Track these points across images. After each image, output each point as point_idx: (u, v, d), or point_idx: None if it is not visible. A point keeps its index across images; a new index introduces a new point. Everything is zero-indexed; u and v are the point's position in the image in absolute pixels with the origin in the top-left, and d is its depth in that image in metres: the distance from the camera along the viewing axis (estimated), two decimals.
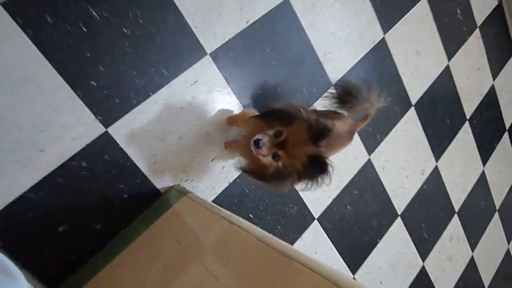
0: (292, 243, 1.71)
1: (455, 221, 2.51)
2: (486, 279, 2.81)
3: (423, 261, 2.32)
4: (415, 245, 2.25)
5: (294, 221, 1.71)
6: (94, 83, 1.21)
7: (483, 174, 2.68)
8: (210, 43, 1.42)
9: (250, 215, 1.58)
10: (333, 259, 1.87)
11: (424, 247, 2.31)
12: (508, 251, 3.00)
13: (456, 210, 2.51)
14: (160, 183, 1.36)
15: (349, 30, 1.81)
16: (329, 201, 1.83)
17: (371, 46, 1.91)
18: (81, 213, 1.23)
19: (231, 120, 1.47)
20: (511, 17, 2.69)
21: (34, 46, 1.12)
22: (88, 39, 1.19)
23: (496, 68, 2.69)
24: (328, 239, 1.84)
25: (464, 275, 2.60)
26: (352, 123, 1.48)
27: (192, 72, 1.38)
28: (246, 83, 1.52)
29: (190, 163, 1.42)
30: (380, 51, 1.95)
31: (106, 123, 1.25)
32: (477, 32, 2.50)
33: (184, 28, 1.36)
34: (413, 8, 2.08)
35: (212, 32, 1.42)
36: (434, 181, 2.33)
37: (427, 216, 2.31)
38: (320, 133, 1.01)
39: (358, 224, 1.95)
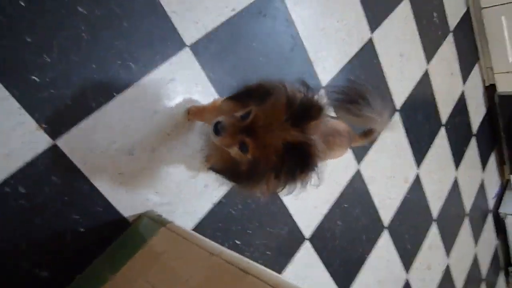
0: (282, 268, 1.48)
1: (434, 229, 2.44)
2: (459, 285, 2.79)
3: (407, 272, 2.21)
4: (400, 257, 2.13)
5: (285, 244, 1.48)
6: (36, 79, 0.89)
7: (455, 180, 2.65)
8: (190, 33, 1.14)
9: (237, 241, 1.32)
10: (325, 283, 1.67)
11: (407, 258, 2.20)
12: (475, 255, 3.02)
13: (434, 217, 2.44)
14: (128, 209, 1.05)
15: (339, 25, 1.63)
16: (320, 218, 1.62)
17: (359, 46, 1.75)
18: (19, 258, 0.90)
19: (195, 111, 1.15)
20: (477, 22, 2.70)
21: None
22: (28, 18, 0.87)
23: (465, 74, 2.68)
24: (320, 261, 1.63)
25: (441, 284, 2.54)
26: (350, 130, 1.26)
27: (168, 68, 1.10)
28: (232, 83, 1.26)
29: (165, 182, 1.12)
30: (368, 51, 1.80)
31: (54, 134, 0.92)
32: (450, 36, 2.46)
33: (158, 12, 1.07)
34: (398, 7, 1.96)
35: (193, 19, 1.15)
36: (416, 189, 2.23)
37: (410, 226, 2.20)
38: (304, 110, 0.72)
39: (348, 241, 1.77)
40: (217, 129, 0.75)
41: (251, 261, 0.73)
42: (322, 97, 0.76)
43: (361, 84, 1.14)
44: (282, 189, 0.79)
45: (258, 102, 0.76)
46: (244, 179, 0.82)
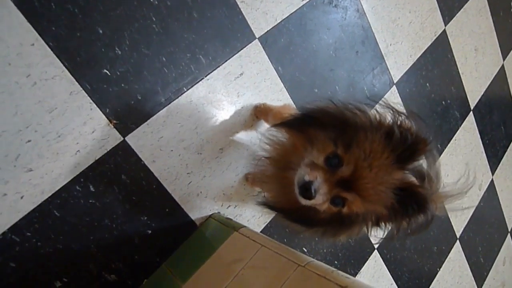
0: None
1: (508, 241, 2.20)
2: None
3: None
4: (471, 271, 1.93)
5: (353, 253, 1.36)
6: (107, 72, 0.85)
7: None
8: (259, 24, 1.07)
9: (304, 249, 1.22)
10: None
11: (480, 273, 1.99)
12: None
13: (510, 229, 2.20)
14: (195, 211, 0.99)
15: (411, 17, 1.49)
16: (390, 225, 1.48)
17: (433, 39, 1.59)
18: (87, 260, 0.86)
19: (261, 110, 1.05)
20: None
21: (21, 15, 0.75)
22: (100, 8, 0.83)
23: None
24: (388, 273, 1.49)
25: None
26: None
27: (238, 62, 1.03)
28: (301, 78, 1.17)
29: (233, 184, 1.05)
30: (441, 45, 1.64)
31: (124, 130, 0.88)
32: None
33: (228, 2, 1.01)
34: None
35: (262, 10, 1.07)
36: (490, 197, 2.01)
37: (483, 238, 1.99)
38: (411, 148, 0.59)
39: (418, 252, 1.61)
40: (308, 191, 0.60)
41: (346, 274, 0.63)
42: (417, 123, 0.62)
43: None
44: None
45: (336, 136, 0.62)
46: (324, 226, 0.69)
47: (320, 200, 0.62)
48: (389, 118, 0.64)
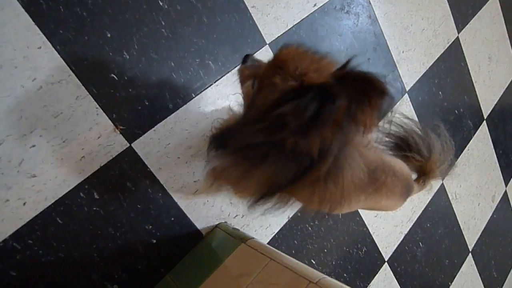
0: None
1: None
2: None
3: None
4: (484, 286, 1.87)
5: (362, 266, 1.31)
6: (114, 77, 0.83)
7: None
8: (270, 30, 1.05)
9: (312, 261, 1.18)
10: None
11: None
12: None
13: None
14: (202, 220, 0.96)
15: (424, 24, 1.46)
16: (401, 237, 1.44)
17: (446, 46, 1.56)
18: (89, 269, 0.83)
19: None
20: None
21: (29, 17, 0.74)
22: (109, 12, 0.81)
23: None
24: (399, 286, 1.44)
25: None
26: (410, 177, 0.90)
27: None
28: None
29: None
30: (454, 53, 1.60)
31: (130, 136, 0.86)
32: None
33: (238, 7, 0.99)
34: (486, 5, 1.75)
35: (273, 15, 1.05)
36: (503, 209, 1.96)
37: (496, 251, 1.93)
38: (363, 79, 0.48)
39: (430, 266, 1.56)
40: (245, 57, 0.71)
41: None
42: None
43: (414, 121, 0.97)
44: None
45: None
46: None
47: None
48: None
